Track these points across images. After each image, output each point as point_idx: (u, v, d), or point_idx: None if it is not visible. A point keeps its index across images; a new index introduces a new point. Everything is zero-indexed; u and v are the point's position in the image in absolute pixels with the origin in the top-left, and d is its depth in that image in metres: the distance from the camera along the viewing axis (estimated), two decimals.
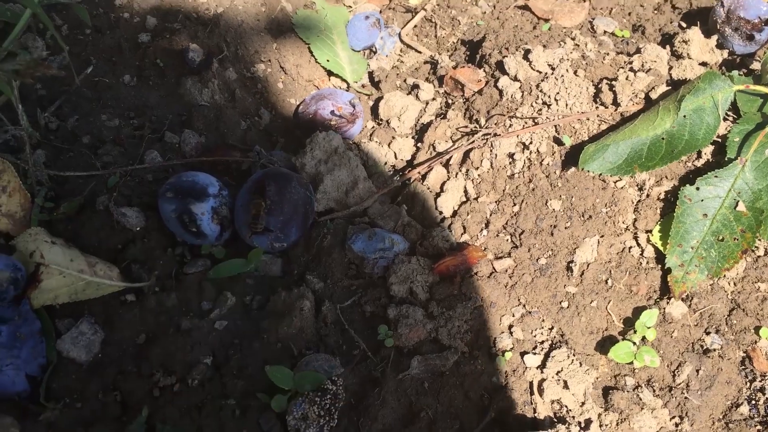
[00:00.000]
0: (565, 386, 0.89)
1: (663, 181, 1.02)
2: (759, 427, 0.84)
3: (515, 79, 1.15)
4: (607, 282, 0.96)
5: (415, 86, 1.27)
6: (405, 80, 1.31)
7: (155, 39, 1.21)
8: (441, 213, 1.08)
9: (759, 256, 0.96)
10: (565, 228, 0.99)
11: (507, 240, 1.01)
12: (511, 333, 0.94)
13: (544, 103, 1.10)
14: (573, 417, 0.88)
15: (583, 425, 0.87)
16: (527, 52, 1.16)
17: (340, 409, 0.85)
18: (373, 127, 1.26)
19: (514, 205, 1.03)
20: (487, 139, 1.09)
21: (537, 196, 1.02)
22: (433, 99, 1.25)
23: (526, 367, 0.91)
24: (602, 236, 0.98)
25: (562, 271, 0.97)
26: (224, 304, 0.96)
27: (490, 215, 1.03)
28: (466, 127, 1.16)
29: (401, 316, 0.93)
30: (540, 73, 1.14)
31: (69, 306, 0.93)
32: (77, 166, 1.03)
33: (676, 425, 0.86)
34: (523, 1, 1.38)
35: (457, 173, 1.10)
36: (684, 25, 1.33)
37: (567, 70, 1.12)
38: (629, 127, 1.01)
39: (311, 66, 1.33)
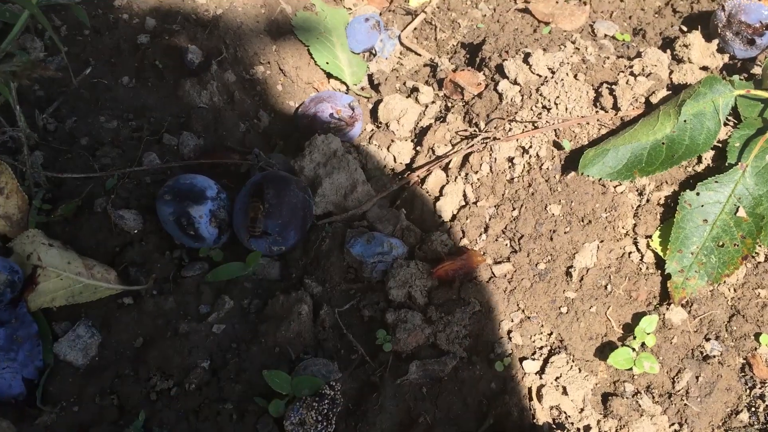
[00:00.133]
0: (564, 392, 0.89)
1: (663, 186, 1.02)
2: None
3: (515, 82, 1.15)
4: (606, 287, 0.95)
5: (415, 89, 1.26)
6: (404, 83, 1.31)
7: (154, 40, 1.21)
8: (440, 217, 1.08)
9: (759, 263, 0.96)
10: (565, 233, 0.99)
11: (506, 245, 1.00)
12: (510, 338, 0.93)
13: (543, 107, 1.10)
14: (572, 423, 0.87)
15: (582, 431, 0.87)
16: (527, 55, 1.16)
17: (338, 414, 0.84)
18: (372, 130, 1.26)
19: (514, 209, 1.02)
20: (486, 143, 1.09)
21: (536, 201, 1.02)
22: (433, 102, 1.25)
23: (525, 373, 0.91)
24: (602, 241, 0.98)
25: (561, 276, 0.96)
26: (222, 308, 0.95)
27: (490, 220, 1.03)
28: (465, 130, 1.15)
29: (400, 320, 0.93)
30: (540, 76, 1.14)
31: (66, 309, 0.92)
32: (75, 168, 1.03)
33: None
34: (523, 4, 1.38)
35: (456, 177, 1.09)
36: (685, 29, 1.33)
37: (567, 74, 1.11)
38: (629, 132, 1.01)
39: (311, 68, 1.33)
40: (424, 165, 1.14)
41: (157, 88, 1.18)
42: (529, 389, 0.90)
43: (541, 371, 0.90)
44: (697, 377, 0.89)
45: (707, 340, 0.92)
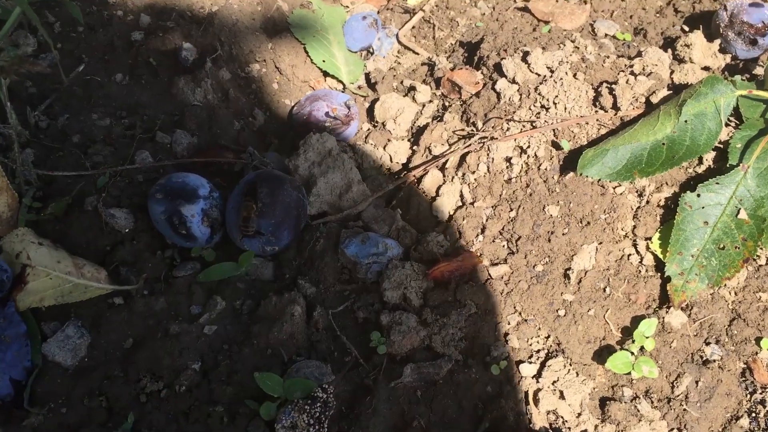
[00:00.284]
0: (561, 396, 0.87)
1: (663, 187, 1.00)
2: None
3: (513, 81, 1.13)
4: (605, 290, 0.94)
5: (412, 88, 1.25)
6: (402, 82, 1.30)
7: (148, 37, 1.20)
8: (436, 217, 1.06)
9: (760, 266, 0.94)
10: (563, 234, 0.97)
11: (503, 246, 0.99)
12: (506, 341, 0.92)
13: (542, 106, 1.08)
14: (569, 428, 0.86)
15: None
16: (526, 54, 1.15)
17: (331, 417, 0.83)
18: (368, 129, 1.25)
19: (511, 210, 1.01)
20: (484, 142, 1.07)
21: (534, 202, 1.00)
22: (430, 101, 1.24)
23: (522, 377, 0.89)
24: (601, 243, 0.97)
25: (559, 278, 0.95)
26: (214, 309, 0.94)
27: (487, 220, 1.01)
28: (462, 130, 1.14)
29: (394, 322, 0.91)
30: (539, 75, 1.12)
31: (55, 308, 0.91)
32: (66, 166, 1.02)
33: None
34: (523, 2, 1.37)
35: (453, 177, 1.08)
36: (686, 28, 1.31)
37: (566, 73, 1.10)
38: (629, 132, 0.99)
39: (307, 66, 1.32)
40: (421, 165, 1.12)
41: (151, 85, 1.17)
42: (526, 393, 0.88)
43: (538, 375, 0.89)
44: (696, 382, 0.87)
45: (707, 344, 0.90)
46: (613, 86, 1.08)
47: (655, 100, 1.07)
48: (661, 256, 0.95)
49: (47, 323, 0.91)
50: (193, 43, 1.18)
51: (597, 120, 1.06)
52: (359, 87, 1.34)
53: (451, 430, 0.86)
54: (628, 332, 0.91)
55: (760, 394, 0.86)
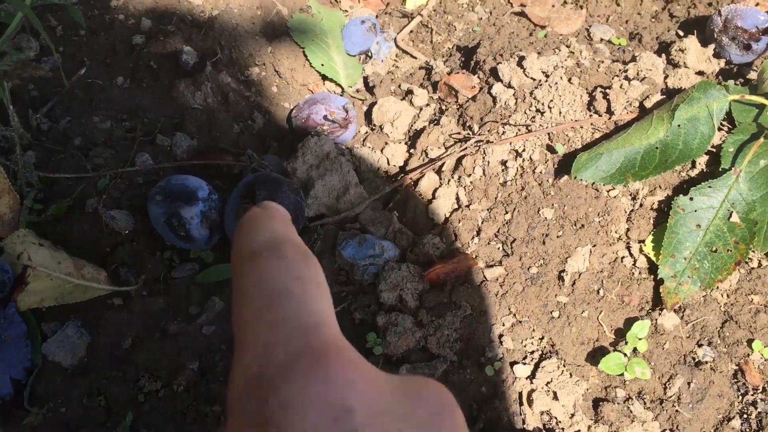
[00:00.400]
0: (555, 397, 0.88)
1: (656, 190, 1.01)
2: None
3: (509, 86, 1.14)
4: (598, 292, 0.95)
5: (409, 92, 1.26)
6: (399, 86, 1.31)
7: (149, 41, 1.21)
8: (432, 220, 1.07)
9: (752, 268, 0.95)
10: (557, 237, 0.98)
11: (498, 248, 1.00)
12: (501, 342, 0.93)
13: (537, 110, 1.09)
14: (562, 429, 0.87)
15: None
16: (521, 59, 1.16)
17: None
18: (366, 132, 1.26)
19: (506, 213, 1.02)
20: (479, 146, 1.08)
21: (529, 205, 1.01)
22: (427, 105, 1.25)
23: (516, 378, 0.90)
24: (594, 246, 0.98)
25: (553, 280, 0.96)
26: (212, 309, 0.95)
27: (482, 223, 1.02)
28: (459, 133, 1.15)
29: (390, 323, 0.92)
30: (534, 80, 1.13)
31: (55, 309, 0.92)
32: (68, 168, 1.03)
33: None
34: (519, 7, 1.38)
35: (449, 180, 1.09)
36: (681, 33, 1.32)
37: (561, 78, 1.11)
38: (623, 136, 1.01)
39: (306, 70, 1.33)
40: (418, 168, 1.13)
41: (152, 88, 1.18)
42: (520, 394, 0.89)
43: (532, 376, 0.90)
44: (689, 383, 0.88)
45: (699, 345, 0.91)
46: (608, 91, 1.09)
47: (648, 104, 1.08)
48: (654, 259, 0.96)
49: (47, 323, 0.92)
50: (194, 47, 1.20)
51: (591, 124, 1.07)
52: (357, 90, 1.35)
53: None
54: (621, 334, 0.92)
55: (752, 395, 0.87)
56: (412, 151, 1.18)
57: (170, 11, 1.26)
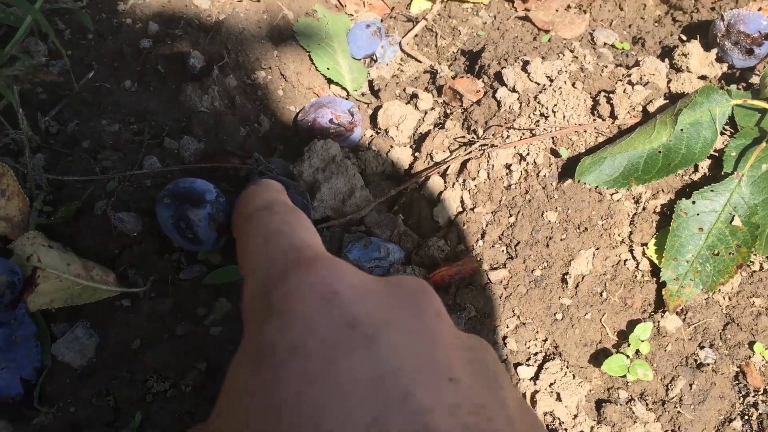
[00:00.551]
0: (558, 398, 0.89)
1: (659, 194, 1.02)
2: None
3: (513, 90, 1.15)
4: (601, 294, 0.96)
5: (414, 95, 1.27)
6: (404, 89, 1.32)
7: (157, 45, 1.22)
8: (437, 223, 1.08)
9: (754, 271, 0.96)
10: (561, 240, 0.99)
11: (502, 251, 1.01)
12: (505, 344, 0.94)
13: (541, 114, 1.10)
14: (566, 429, 0.88)
15: None
16: (526, 63, 1.17)
17: None
18: (371, 135, 1.27)
19: (510, 216, 1.03)
20: (484, 149, 1.09)
21: (533, 208, 1.02)
22: (432, 109, 1.26)
23: (519, 379, 0.91)
24: (598, 249, 0.98)
25: (557, 282, 0.97)
26: (219, 311, 0.96)
27: (486, 226, 1.03)
28: (463, 137, 1.16)
29: None
30: (538, 84, 1.15)
31: (65, 310, 0.93)
32: (76, 171, 1.04)
33: None
34: (523, 12, 1.39)
35: (453, 183, 1.10)
36: (684, 38, 1.33)
37: (565, 82, 1.12)
38: (626, 140, 1.01)
39: (311, 74, 1.34)
40: (423, 171, 1.14)
41: (159, 92, 1.19)
42: (524, 395, 0.90)
43: (536, 377, 0.91)
44: (690, 385, 0.89)
45: (701, 348, 0.92)
46: (611, 95, 1.10)
47: (651, 109, 1.09)
48: (656, 262, 0.97)
49: (57, 324, 0.93)
50: (201, 50, 1.21)
51: (595, 128, 1.08)
52: (362, 94, 1.36)
53: None
54: (624, 336, 0.93)
55: (753, 397, 0.88)
56: (417, 154, 1.19)
57: (177, 15, 1.27)
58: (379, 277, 0.46)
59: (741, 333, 0.92)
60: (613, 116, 1.09)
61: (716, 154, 1.04)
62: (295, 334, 0.39)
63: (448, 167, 1.13)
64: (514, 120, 1.12)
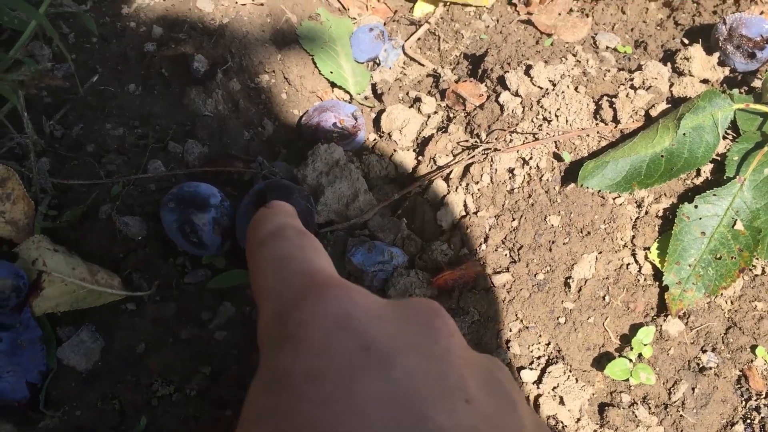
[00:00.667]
0: (561, 402, 0.89)
1: (662, 198, 1.03)
2: None
3: (516, 94, 1.16)
4: (604, 298, 0.96)
5: (418, 99, 1.27)
6: (407, 93, 1.32)
7: (161, 48, 1.22)
8: (440, 226, 1.09)
9: (756, 275, 0.97)
10: (564, 244, 0.99)
11: (505, 255, 1.01)
12: (508, 348, 0.94)
13: (544, 118, 1.11)
14: None
15: None
16: (529, 67, 1.17)
17: None
18: (374, 139, 1.27)
19: (513, 220, 1.03)
20: (487, 153, 1.10)
21: (536, 212, 1.03)
22: (435, 112, 1.26)
23: (522, 383, 0.91)
24: (600, 253, 0.99)
25: (559, 286, 0.97)
26: (224, 315, 0.96)
27: (489, 230, 1.04)
28: (466, 141, 1.16)
29: None
30: (541, 88, 1.15)
31: (70, 314, 0.93)
32: (81, 175, 1.04)
33: None
34: (526, 15, 1.39)
35: (457, 187, 1.10)
36: (686, 41, 1.34)
37: (568, 87, 1.12)
38: (629, 145, 1.02)
39: (315, 77, 1.34)
40: (426, 175, 1.15)
41: (163, 96, 1.20)
42: (527, 399, 0.91)
43: (539, 381, 0.91)
44: (693, 388, 0.89)
45: (704, 351, 0.92)
46: (614, 99, 1.10)
47: (654, 113, 1.09)
48: (659, 266, 0.97)
49: (62, 328, 0.94)
50: (205, 54, 1.21)
51: (597, 132, 1.09)
52: (366, 98, 1.36)
53: None
54: (626, 340, 0.94)
55: (755, 401, 0.88)
56: (420, 158, 1.20)
57: (181, 19, 1.27)
58: (391, 300, 0.47)
59: (743, 337, 0.92)
60: (615, 120, 1.09)
61: (718, 159, 1.04)
62: (310, 360, 0.40)
63: (451, 171, 1.13)
64: (517, 124, 1.12)
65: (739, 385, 0.90)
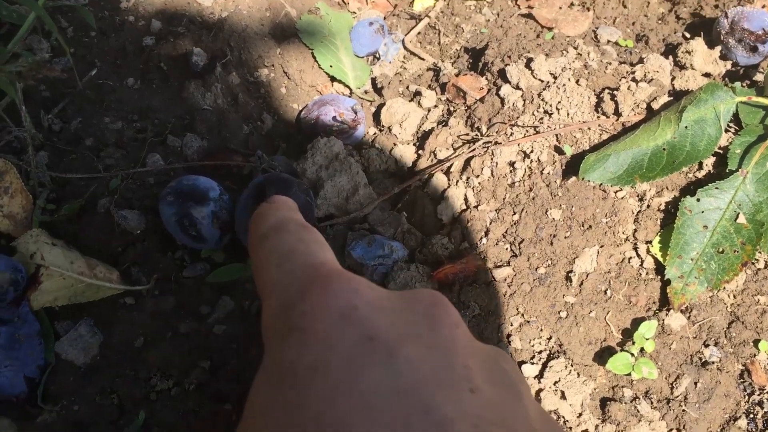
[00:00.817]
0: (563, 397, 0.89)
1: (664, 191, 1.02)
2: None
3: (517, 87, 1.15)
4: (606, 292, 0.96)
5: (418, 93, 1.27)
6: (407, 87, 1.32)
7: (159, 42, 1.22)
8: (441, 220, 1.08)
9: (759, 269, 0.96)
10: (565, 238, 0.99)
11: (506, 249, 1.01)
12: (509, 342, 0.94)
13: (545, 112, 1.10)
14: (570, 428, 0.88)
15: None
16: (529, 60, 1.17)
17: None
18: (374, 133, 1.27)
19: (514, 213, 1.03)
20: (488, 147, 1.09)
21: (537, 205, 1.02)
22: (435, 106, 1.25)
23: (524, 377, 0.91)
24: (602, 246, 0.98)
25: (561, 280, 0.97)
26: (223, 309, 0.96)
27: (490, 223, 1.03)
28: (467, 134, 1.16)
29: None
30: (542, 81, 1.14)
31: (68, 308, 0.93)
32: (79, 169, 1.04)
33: None
34: (527, 9, 1.39)
35: (457, 181, 1.10)
36: (688, 35, 1.33)
37: (569, 80, 1.12)
38: (630, 138, 1.01)
39: (314, 71, 1.34)
40: (426, 169, 1.14)
41: (162, 89, 1.19)
42: None
43: (540, 375, 0.91)
44: (695, 383, 0.89)
45: (706, 346, 0.92)
46: (615, 92, 1.10)
47: (656, 106, 1.08)
48: (661, 260, 0.96)
49: (60, 322, 0.93)
50: (204, 48, 1.20)
51: (599, 125, 1.08)
52: (366, 92, 1.36)
53: None
54: (628, 334, 0.93)
55: (758, 395, 0.88)
56: (420, 152, 1.19)
57: (180, 13, 1.27)
58: (395, 291, 0.47)
59: (746, 331, 0.92)
60: (617, 113, 1.09)
61: (721, 152, 1.03)
62: (315, 352, 0.39)
63: (451, 165, 1.12)
64: (517, 117, 1.11)
65: (741, 380, 0.89)
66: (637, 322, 0.93)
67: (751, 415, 0.87)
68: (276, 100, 1.29)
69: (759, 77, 1.18)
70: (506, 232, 1.02)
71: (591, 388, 0.90)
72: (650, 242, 0.98)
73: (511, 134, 1.10)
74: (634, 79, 1.13)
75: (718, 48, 1.23)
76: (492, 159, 1.09)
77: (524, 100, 1.13)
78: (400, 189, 1.12)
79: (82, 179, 1.03)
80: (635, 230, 1.00)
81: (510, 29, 1.36)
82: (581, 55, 1.20)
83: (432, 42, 1.42)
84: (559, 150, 1.07)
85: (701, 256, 0.94)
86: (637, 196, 1.02)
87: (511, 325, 0.95)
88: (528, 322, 0.95)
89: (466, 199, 1.08)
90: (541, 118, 1.10)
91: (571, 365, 0.91)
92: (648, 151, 1.01)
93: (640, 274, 0.97)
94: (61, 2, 1.21)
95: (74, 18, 1.24)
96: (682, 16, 1.38)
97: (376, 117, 1.29)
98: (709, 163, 1.04)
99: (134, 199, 1.03)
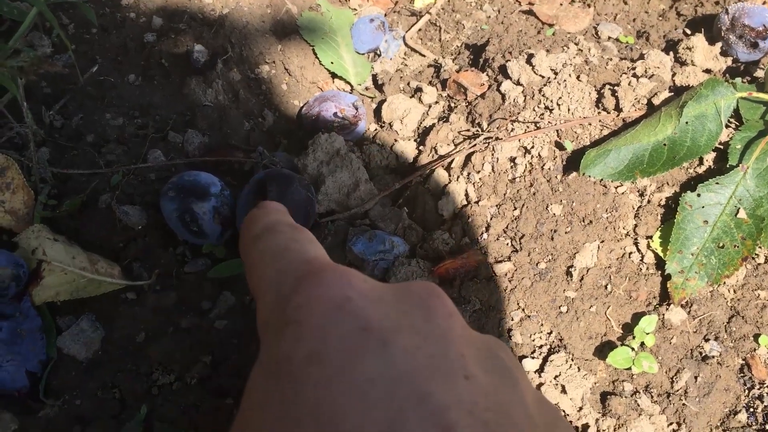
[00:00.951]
0: (563, 391, 0.89)
1: (664, 187, 1.02)
2: None
3: (518, 83, 1.15)
4: (606, 287, 0.96)
5: (419, 89, 1.27)
6: (408, 83, 1.32)
7: (161, 39, 1.22)
8: (442, 216, 1.08)
9: (759, 264, 0.96)
10: (566, 233, 0.99)
11: (507, 244, 1.01)
12: (510, 337, 0.94)
13: (546, 107, 1.10)
14: (570, 422, 0.88)
15: (580, 430, 0.87)
16: (530, 56, 1.17)
17: None
18: (375, 129, 1.27)
19: (515, 209, 1.03)
20: (488, 142, 1.09)
21: (538, 201, 1.02)
22: (436, 102, 1.26)
23: (525, 371, 0.91)
24: (602, 241, 0.98)
25: (561, 275, 0.97)
26: (224, 304, 0.96)
27: (491, 219, 1.03)
28: (468, 130, 1.16)
29: None
30: (543, 77, 1.14)
31: (70, 303, 0.93)
32: (81, 164, 1.04)
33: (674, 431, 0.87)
34: (527, 5, 1.39)
35: (458, 177, 1.10)
36: (688, 31, 1.33)
37: (570, 75, 1.12)
38: (631, 133, 1.01)
39: (315, 68, 1.34)
40: (427, 164, 1.14)
41: (163, 86, 1.19)
42: None
43: (541, 370, 0.91)
44: (695, 377, 0.89)
45: (706, 340, 0.92)
46: (616, 88, 1.10)
47: (656, 101, 1.08)
48: (661, 255, 0.97)
49: (62, 317, 0.93)
50: (205, 44, 1.21)
51: (600, 121, 1.08)
52: (366, 88, 1.36)
53: None
54: (628, 328, 0.93)
55: (758, 389, 0.88)
56: (421, 148, 1.19)
57: (181, 9, 1.27)
58: (389, 283, 0.47)
59: (746, 326, 0.92)
60: (617, 109, 1.09)
61: (721, 147, 1.04)
62: (310, 343, 0.40)
63: (452, 160, 1.12)
64: (518, 113, 1.12)
65: (741, 374, 0.90)
66: (637, 317, 0.93)
67: (751, 409, 0.87)
68: (277, 97, 1.29)
69: (759, 73, 1.18)
70: (507, 227, 1.02)
71: (591, 382, 0.90)
72: (651, 237, 0.99)
73: (512, 130, 1.10)
74: (634, 75, 1.13)
75: (719, 44, 1.23)
76: (493, 154, 1.09)
77: (525, 96, 1.13)
78: (401, 185, 1.12)
79: (83, 175, 1.03)
80: (636, 225, 1.00)
81: (511, 25, 1.36)
82: (582, 51, 1.20)
83: (433, 38, 1.43)
84: (559, 145, 1.07)
85: (701, 251, 0.94)
86: (638, 191, 1.02)
87: (512, 319, 0.95)
88: (529, 316, 0.95)
89: (466, 195, 1.08)
90: (542, 114, 1.10)
91: (572, 359, 0.91)
92: (648, 147, 1.01)
93: (641, 269, 0.97)
94: None
95: (75, 14, 1.24)
96: (682, 12, 1.38)
97: (377, 113, 1.29)
98: (709, 158, 1.04)
99: (135, 195, 1.03)
